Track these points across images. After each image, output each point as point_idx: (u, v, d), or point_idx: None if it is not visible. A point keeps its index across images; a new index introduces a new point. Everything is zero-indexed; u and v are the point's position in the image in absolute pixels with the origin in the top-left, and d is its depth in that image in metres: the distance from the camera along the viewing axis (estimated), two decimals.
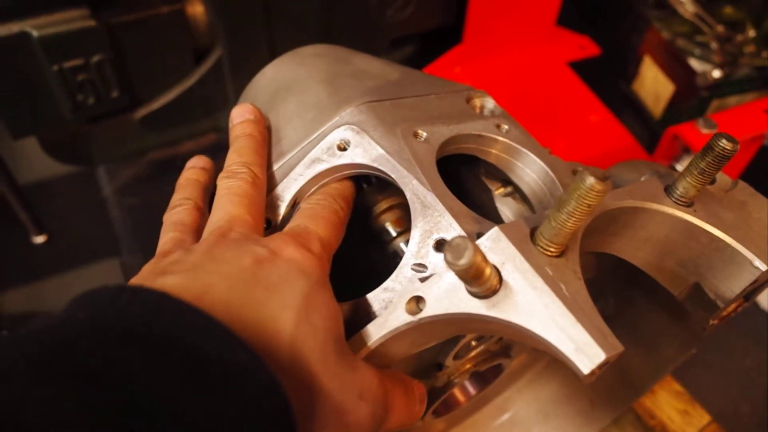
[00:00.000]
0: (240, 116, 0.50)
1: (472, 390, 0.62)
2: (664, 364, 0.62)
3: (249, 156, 0.47)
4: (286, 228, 0.43)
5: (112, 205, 1.00)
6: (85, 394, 0.25)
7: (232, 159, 0.46)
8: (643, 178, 0.50)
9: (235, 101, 0.87)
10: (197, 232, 0.44)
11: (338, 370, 0.36)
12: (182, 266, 0.36)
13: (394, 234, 0.52)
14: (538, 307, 0.34)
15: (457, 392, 0.61)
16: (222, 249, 0.37)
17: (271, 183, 0.47)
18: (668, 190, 0.46)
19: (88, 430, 0.24)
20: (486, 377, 0.61)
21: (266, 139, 0.50)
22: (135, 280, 0.36)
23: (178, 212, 0.46)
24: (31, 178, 1.04)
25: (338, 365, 0.36)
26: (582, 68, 1.18)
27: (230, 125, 0.50)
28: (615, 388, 0.67)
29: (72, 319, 0.29)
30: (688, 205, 0.45)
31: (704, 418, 0.71)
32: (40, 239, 1.00)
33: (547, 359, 0.71)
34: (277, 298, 0.35)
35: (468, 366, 0.55)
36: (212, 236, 0.40)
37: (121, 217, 1.00)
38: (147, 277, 0.36)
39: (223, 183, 0.45)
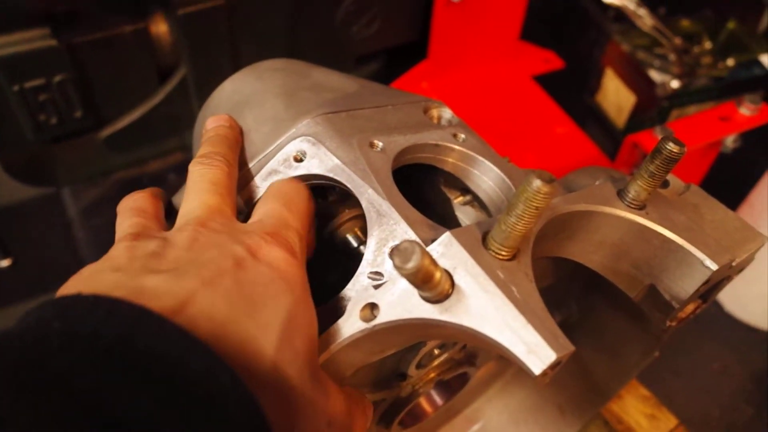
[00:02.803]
0: (215, 122, 0.50)
1: (438, 400, 0.61)
2: (628, 369, 0.62)
3: (222, 147, 0.45)
4: (263, 212, 0.41)
5: (77, 226, 0.99)
6: (64, 408, 0.25)
7: (204, 150, 0.45)
8: (597, 183, 0.51)
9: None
10: (160, 221, 0.42)
11: (313, 396, 0.35)
12: (161, 263, 0.34)
13: (355, 244, 0.52)
14: (489, 310, 0.34)
15: (423, 402, 0.61)
16: (203, 244, 0.36)
17: None
18: (620, 193, 0.46)
19: None
20: (452, 386, 0.61)
21: (239, 143, 0.49)
22: (108, 272, 0.34)
23: (136, 199, 0.43)
24: None
25: (313, 391, 0.36)
26: (547, 81, 1.21)
27: (204, 131, 0.49)
28: (582, 395, 0.67)
29: (47, 329, 0.28)
30: (640, 208, 0.46)
31: (671, 421, 0.72)
32: (4, 263, 0.98)
33: (515, 367, 0.71)
34: (260, 315, 0.33)
35: (432, 375, 0.55)
36: (191, 226, 0.37)
37: (87, 238, 0.99)
38: (124, 268, 0.34)
39: (196, 169, 0.43)
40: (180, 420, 0.27)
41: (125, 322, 0.29)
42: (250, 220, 0.41)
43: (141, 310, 0.30)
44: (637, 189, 0.46)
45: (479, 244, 0.37)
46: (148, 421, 0.26)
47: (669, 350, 0.60)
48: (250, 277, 0.35)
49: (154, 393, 0.27)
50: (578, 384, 0.67)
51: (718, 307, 1.03)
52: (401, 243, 0.32)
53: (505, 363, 0.70)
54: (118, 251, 0.36)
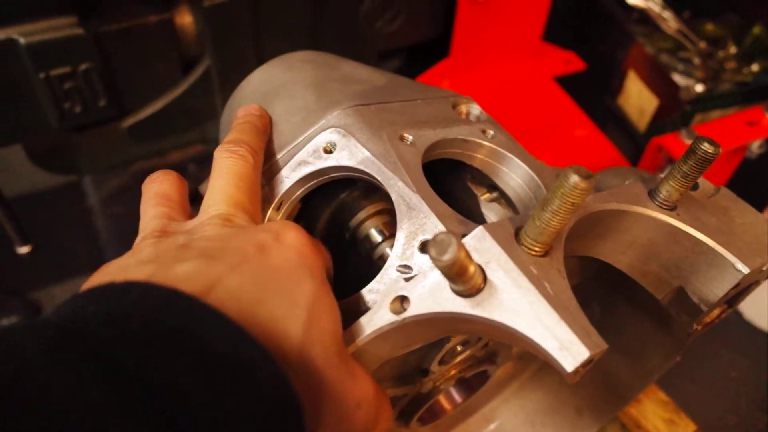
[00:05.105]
0: (245, 111, 0.50)
1: (457, 397, 0.61)
2: (649, 372, 0.62)
3: (249, 136, 0.46)
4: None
5: (97, 215, 1.00)
6: (107, 379, 0.25)
7: (232, 136, 0.45)
8: (627, 183, 0.51)
9: (223, 112, 0.87)
10: (185, 207, 0.42)
11: (341, 376, 0.36)
12: (189, 253, 0.35)
13: (380, 239, 0.52)
14: (522, 305, 0.34)
15: (443, 399, 0.61)
16: (227, 234, 0.37)
17: None
18: (652, 193, 0.46)
19: (113, 412, 0.24)
20: (471, 384, 0.61)
21: (267, 132, 0.49)
22: (136, 264, 0.34)
23: (161, 182, 0.43)
24: (16, 188, 1.03)
25: (341, 371, 0.36)
26: (568, 83, 1.20)
27: (234, 119, 0.50)
28: (601, 397, 0.67)
29: (84, 312, 0.29)
30: (671, 208, 0.46)
31: (690, 427, 0.71)
32: (24, 250, 0.98)
33: (533, 368, 0.70)
34: (286, 295, 0.34)
35: (453, 372, 0.55)
36: (216, 219, 0.38)
37: (106, 227, 1.00)
38: (152, 260, 0.34)
39: (222, 158, 0.43)
40: (212, 391, 0.27)
41: (157, 303, 0.29)
42: None
43: (172, 291, 0.30)
44: (668, 189, 0.45)
45: (512, 239, 0.37)
46: (181, 391, 0.26)
47: (688, 357, 0.59)
48: (275, 262, 0.35)
49: (185, 367, 0.27)
50: (597, 386, 0.66)
51: (738, 315, 1.02)
52: (437, 235, 0.32)
53: (523, 363, 0.69)
54: (144, 247, 0.37)
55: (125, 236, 0.41)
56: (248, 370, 0.29)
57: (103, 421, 0.24)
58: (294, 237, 0.37)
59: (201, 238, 0.36)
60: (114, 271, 0.35)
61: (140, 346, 0.27)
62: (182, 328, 0.29)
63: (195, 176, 0.49)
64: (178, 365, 0.27)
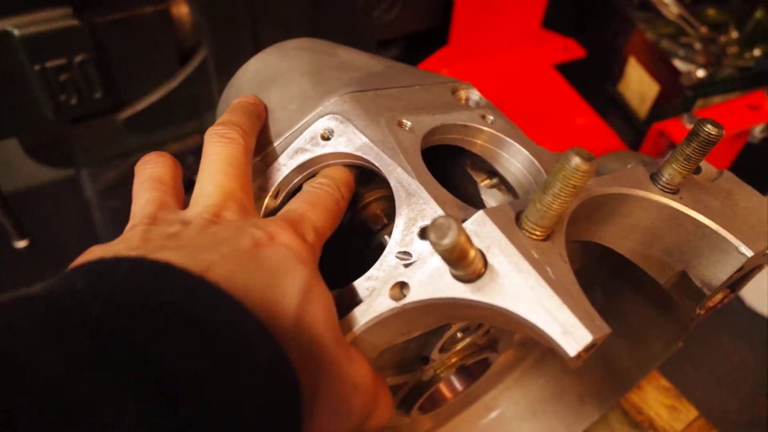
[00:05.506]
0: (239, 100, 0.49)
1: (458, 385, 0.61)
2: (651, 358, 0.61)
3: (241, 117, 0.45)
4: (284, 210, 0.42)
5: (95, 208, 0.99)
6: (97, 353, 0.25)
7: (224, 118, 0.45)
8: (628, 167, 0.50)
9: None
10: (178, 192, 0.42)
11: (338, 358, 0.36)
12: (179, 242, 0.34)
13: (379, 226, 0.51)
14: (523, 289, 0.34)
15: (444, 387, 0.61)
16: (219, 228, 0.36)
17: (254, 173, 0.47)
18: (654, 177, 0.46)
19: (105, 387, 0.24)
20: (472, 372, 0.61)
21: (262, 118, 0.48)
22: (124, 249, 0.34)
23: (154, 165, 0.42)
24: (12, 181, 1.02)
25: (338, 353, 0.36)
26: (568, 70, 1.19)
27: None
28: (603, 384, 0.66)
29: (72, 288, 0.28)
30: (673, 192, 0.45)
31: (692, 413, 0.71)
32: (21, 244, 0.98)
33: (534, 356, 0.70)
34: (279, 283, 0.34)
35: (454, 360, 0.55)
36: (206, 213, 0.38)
37: (104, 220, 0.99)
38: (140, 247, 0.34)
39: (212, 143, 0.42)
40: (208, 365, 0.27)
41: (148, 276, 0.29)
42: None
43: (164, 265, 0.30)
44: (671, 172, 0.45)
45: (513, 223, 0.36)
46: (176, 365, 0.26)
47: (689, 343, 0.59)
48: (266, 254, 0.35)
49: (178, 340, 0.27)
50: (599, 373, 0.66)
51: (739, 301, 1.02)
52: (437, 219, 0.31)
53: (525, 351, 0.69)
54: (133, 234, 0.36)
55: (122, 229, 0.40)
56: (246, 344, 0.29)
57: (95, 395, 0.23)
58: (288, 238, 0.37)
59: (190, 229, 0.36)
60: (100, 253, 0.34)
61: (130, 322, 0.27)
62: (175, 301, 0.28)
63: (193, 168, 0.48)
64: (170, 339, 0.27)
